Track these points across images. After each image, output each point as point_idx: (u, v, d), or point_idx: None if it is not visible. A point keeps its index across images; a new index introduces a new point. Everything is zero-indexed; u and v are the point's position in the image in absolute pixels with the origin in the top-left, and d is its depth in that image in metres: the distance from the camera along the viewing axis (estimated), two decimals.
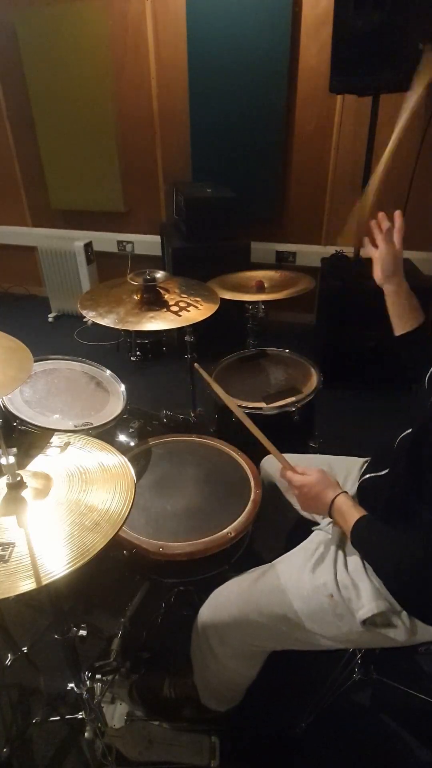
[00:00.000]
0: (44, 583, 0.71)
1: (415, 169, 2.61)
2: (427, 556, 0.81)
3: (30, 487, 0.88)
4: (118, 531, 0.80)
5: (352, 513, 0.97)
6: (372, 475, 1.13)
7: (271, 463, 1.44)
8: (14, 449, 0.85)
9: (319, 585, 1.01)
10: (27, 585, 0.71)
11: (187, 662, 1.25)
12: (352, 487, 1.24)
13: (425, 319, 1.20)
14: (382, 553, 0.91)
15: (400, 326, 1.20)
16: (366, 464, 1.26)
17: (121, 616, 1.39)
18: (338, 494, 1.01)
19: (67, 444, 1.02)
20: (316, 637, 1.01)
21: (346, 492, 1.02)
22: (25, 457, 0.97)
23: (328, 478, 1.06)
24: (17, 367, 1.08)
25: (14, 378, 1.05)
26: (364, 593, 0.97)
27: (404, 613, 0.95)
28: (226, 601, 1.10)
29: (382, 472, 1.09)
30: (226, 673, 1.13)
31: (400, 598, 0.93)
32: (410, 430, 1.00)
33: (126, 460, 0.98)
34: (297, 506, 1.32)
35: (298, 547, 1.13)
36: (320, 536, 1.11)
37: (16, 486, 0.86)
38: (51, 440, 1.03)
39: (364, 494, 1.14)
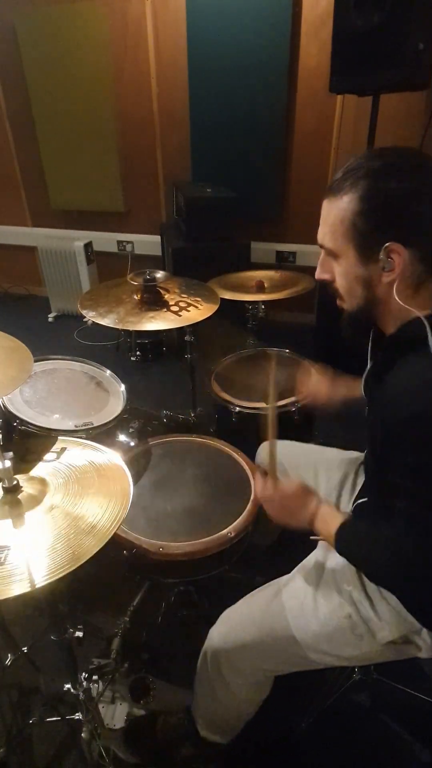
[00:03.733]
0: (38, 586, 0.71)
1: None
2: (416, 545, 0.76)
3: (26, 491, 0.88)
4: (113, 536, 0.80)
5: (334, 521, 0.91)
6: (361, 501, 1.09)
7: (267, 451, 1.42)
8: (10, 453, 0.85)
9: (335, 606, 0.97)
10: (20, 588, 0.71)
11: (175, 683, 1.21)
12: (349, 485, 1.24)
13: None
14: (370, 555, 0.86)
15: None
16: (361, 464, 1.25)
17: (121, 616, 1.39)
18: (320, 504, 0.96)
19: (63, 449, 1.02)
20: (335, 658, 0.97)
21: (327, 501, 0.98)
22: (21, 462, 0.97)
23: (304, 488, 1.00)
24: (17, 367, 1.08)
25: (14, 378, 1.05)
26: (383, 614, 0.93)
27: (425, 630, 0.91)
28: (239, 626, 1.04)
29: (365, 499, 1.06)
30: (235, 702, 1.09)
31: (401, 595, 0.88)
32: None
33: (123, 463, 0.98)
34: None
35: (307, 561, 1.09)
36: (325, 552, 1.07)
37: (12, 490, 0.86)
38: (50, 447, 1.03)
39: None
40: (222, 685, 1.07)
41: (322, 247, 0.87)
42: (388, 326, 0.87)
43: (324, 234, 0.85)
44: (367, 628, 0.93)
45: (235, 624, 1.05)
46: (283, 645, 0.98)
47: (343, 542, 0.89)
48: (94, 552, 0.76)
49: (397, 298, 0.80)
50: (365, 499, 1.07)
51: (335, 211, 0.80)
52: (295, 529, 0.98)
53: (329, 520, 0.93)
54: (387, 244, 0.76)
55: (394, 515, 0.80)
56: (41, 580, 0.72)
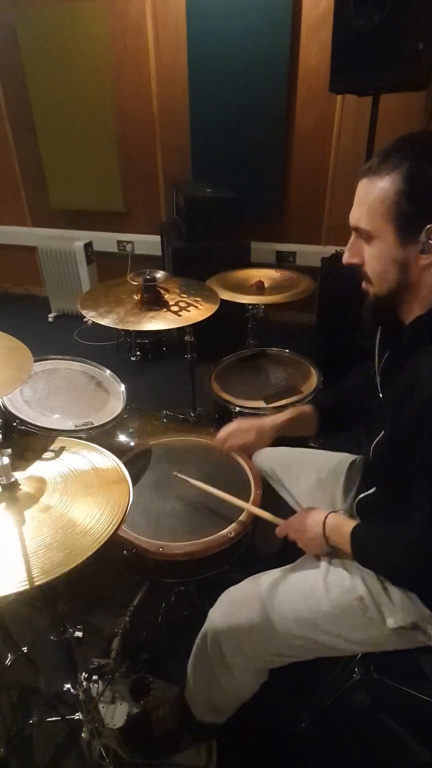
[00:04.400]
0: (30, 587, 0.71)
1: None
2: (421, 539, 0.78)
3: (23, 489, 0.88)
4: (110, 537, 0.80)
5: (347, 525, 0.93)
6: (364, 494, 1.09)
7: (264, 457, 1.42)
8: (9, 450, 0.84)
9: (347, 587, 0.96)
10: (12, 588, 0.71)
11: (175, 682, 1.21)
12: (343, 484, 1.24)
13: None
14: (388, 555, 0.88)
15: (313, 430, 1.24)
16: (358, 459, 1.25)
17: (121, 616, 1.39)
18: (327, 515, 0.98)
19: (62, 449, 1.02)
20: (343, 642, 0.96)
21: (333, 511, 1.00)
22: (20, 459, 0.97)
23: (308, 510, 1.03)
24: (17, 367, 1.08)
25: (14, 378, 1.05)
26: (396, 599, 0.92)
27: None
28: (244, 605, 1.01)
29: (372, 491, 1.06)
30: (235, 686, 1.08)
31: (410, 587, 0.90)
32: (381, 434, 0.96)
33: (122, 465, 0.97)
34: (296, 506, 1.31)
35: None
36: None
37: (10, 488, 0.86)
38: (49, 446, 1.03)
39: (362, 515, 1.11)
40: (223, 668, 1.05)
41: (356, 229, 0.85)
42: (412, 311, 0.86)
43: (360, 214, 0.83)
44: (379, 612, 0.93)
45: (239, 604, 1.03)
46: (293, 625, 0.97)
47: (359, 546, 0.90)
48: (88, 554, 0.76)
49: None
50: (370, 491, 1.06)
51: (376, 192, 0.79)
52: (324, 553, 1.00)
53: (340, 528, 0.94)
54: (429, 225, 0.76)
55: (409, 505, 0.80)
56: (34, 580, 0.71)
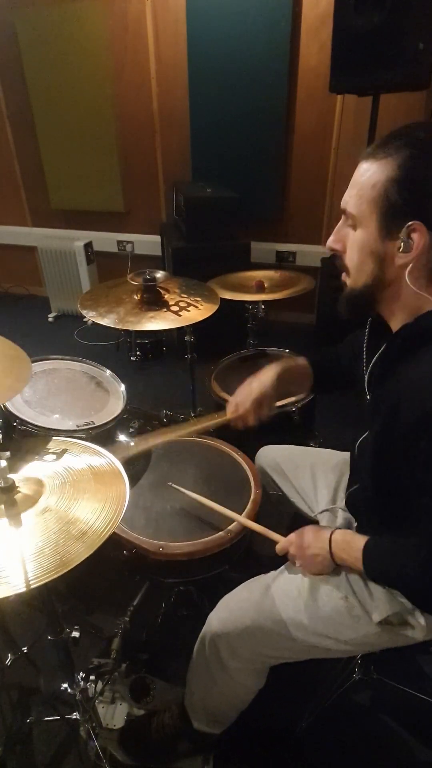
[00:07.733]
0: (29, 588, 0.70)
1: None
2: (429, 554, 0.78)
3: (21, 492, 0.88)
4: (113, 536, 0.79)
5: (357, 540, 0.91)
6: (352, 489, 1.10)
7: (268, 455, 1.42)
8: (7, 453, 0.84)
9: (332, 587, 0.97)
10: (9, 590, 0.70)
11: (175, 683, 1.22)
12: (345, 484, 1.23)
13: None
14: (400, 568, 0.85)
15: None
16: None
17: (121, 616, 1.39)
18: (332, 531, 0.96)
19: (64, 451, 1.01)
20: (333, 642, 0.97)
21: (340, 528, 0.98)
22: (20, 461, 0.97)
23: (310, 526, 1.02)
24: (15, 376, 1.07)
25: (10, 388, 1.04)
26: (376, 593, 0.94)
27: (417, 611, 0.92)
28: (238, 610, 1.04)
29: (356, 486, 1.06)
30: (233, 688, 1.09)
31: (422, 605, 0.89)
32: (366, 434, 0.95)
33: (121, 467, 0.97)
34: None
35: None
36: None
37: (7, 490, 0.85)
38: (48, 446, 1.02)
39: (351, 509, 1.12)
40: (220, 670, 1.06)
41: (344, 212, 0.83)
42: (395, 315, 0.85)
43: (350, 197, 0.81)
44: (363, 609, 0.94)
45: (234, 609, 1.05)
46: (282, 629, 0.98)
47: (371, 563, 0.88)
48: (85, 557, 0.75)
49: (409, 283, 0.77)
50: (355, 486, 1.07)
51: (369, 174, 0.77)
52: (327, 572, 0.97)
53: (348, 546, 0.92)
54: (411, 222, 0.74)
55: (419, 516, 0.79)
56: (31, 582, 0.71)
